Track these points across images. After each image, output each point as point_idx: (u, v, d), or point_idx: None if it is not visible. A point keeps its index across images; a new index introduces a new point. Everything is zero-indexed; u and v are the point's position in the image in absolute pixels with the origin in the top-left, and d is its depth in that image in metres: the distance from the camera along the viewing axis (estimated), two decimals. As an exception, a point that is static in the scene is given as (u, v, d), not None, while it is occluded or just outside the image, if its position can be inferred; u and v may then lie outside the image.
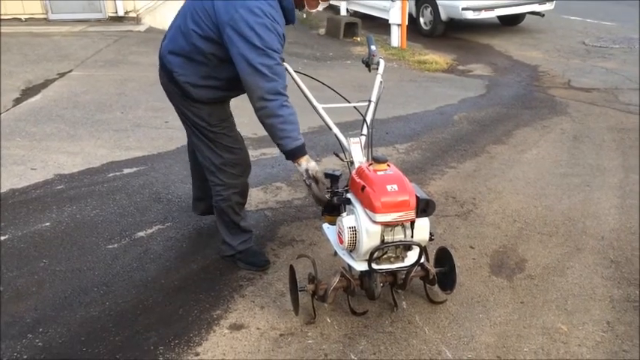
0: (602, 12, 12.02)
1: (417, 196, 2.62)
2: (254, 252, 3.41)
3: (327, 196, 3.06)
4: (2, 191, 4.27)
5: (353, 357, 2.65)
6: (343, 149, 3.10)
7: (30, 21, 10.05)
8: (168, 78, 3.15)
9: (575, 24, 11.22)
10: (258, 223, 3.86)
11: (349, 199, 2.80)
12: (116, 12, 10.23)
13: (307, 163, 2.83)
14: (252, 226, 3.45)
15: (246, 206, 3.97)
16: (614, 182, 4.43)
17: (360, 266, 2.69)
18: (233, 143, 3.20)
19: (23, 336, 2.80)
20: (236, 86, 2.94)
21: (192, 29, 2.90)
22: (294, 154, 2.83)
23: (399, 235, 2.65)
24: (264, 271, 3.33)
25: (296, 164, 2.87)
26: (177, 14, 3.10)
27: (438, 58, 8.90)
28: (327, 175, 3.14)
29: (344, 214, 2.82)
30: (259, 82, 2.74)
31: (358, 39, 10.48)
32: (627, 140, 5.29)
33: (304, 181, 2.85)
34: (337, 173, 3.12)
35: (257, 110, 2.83)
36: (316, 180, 2.82)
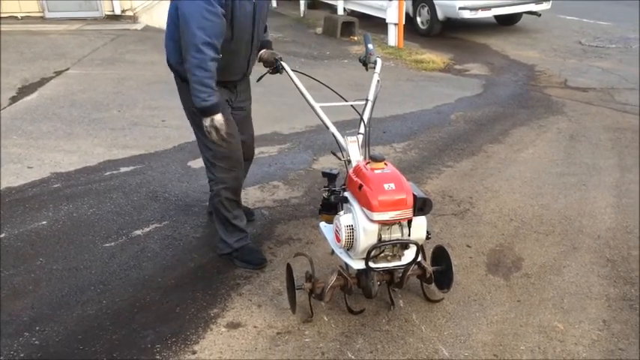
0: (598, 12, 12.05)
1: (414, 195, 2.62)
2: (250, 250, 3.41)
3: (325, 194, 3.07)
4: (-1, 189, 4.27)
5: (350, 355, 2.65)
6: (340, 148, 3.10)
7: (26, 19, 10.03)
8: (169, 66, 3.25)
9: (572, 24, 11.24)
10: (255, 222, 3.87)
11: (346, 197, 2.81)
12: (113, 10, 10.22)
13: (214, 117, 2.98)
14: (246, 226, 3.45)
15: (243, 204, 4.00)
16: (610, 181, 4.44)
17: (358, 265, 2.69)
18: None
19: (20, 334, 2.80)
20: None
21: (170, 11, 3.06)
22: (204, 112, 2.97)
23: (396, 234, 2.66)
24: (261, 269, 3.33)
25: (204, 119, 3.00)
26: None
27: (435, 58, 8.90)
28: (324, 174, 3.15)
29: (341, 212, 2.82)
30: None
31: (355, 38, 10.48)
32: (623, 140, 5.31)
33: (206, 128, 3.00)
34: (334, 172, 3.13)
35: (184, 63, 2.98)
36: (216, 129, 2.98)
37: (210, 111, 2.96)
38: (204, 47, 2.85)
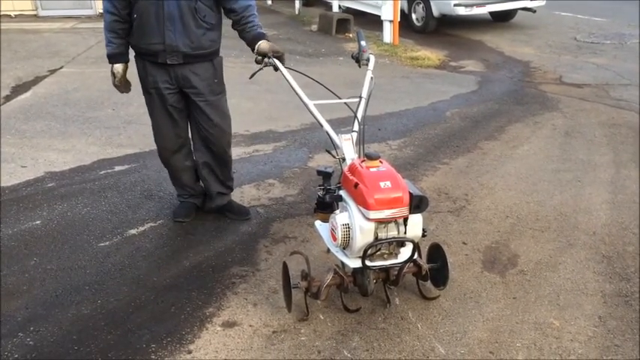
0: (593, 8, 12.06)
1: (410, 193, 2.62)
2: (182, 205, 3.91)
3: (320, 193, 3.06)
4: (-8, 189, 4.24)
5: (346, 353, 2.65)
6: (335, 146, 3.09)
7: (20, 17, 9.98)
8: None
9: (567, 20, 11.25)
10: (250, 220, 3.85)
11: (341, 196, 2.80)
12: (107, 8, 10.18)
13: (113, 65, 3.54)
14: (185, 187, 3.88)
15: (239, 202, 4.01)
16: (606, 178, 4.45)
17: (354, 263, 2.69)
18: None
19: (14, 335, 2.78)
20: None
21: None
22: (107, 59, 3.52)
23: (392, 232, 2.65)
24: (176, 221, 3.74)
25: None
26: None
27: (430, 55, 8.90)
28: (319, 173, 3.14)
29: (337, 211, 2.81)
30: None
31: (350, 35, 10.46)
32: (618, 136, 5.32)
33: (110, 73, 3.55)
34: (329, 170, 3.12)
35: None
36: (113, 75, 3.57)
37: (109, 58, 3.51)
38: (104, 1, 3.35)
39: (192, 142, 3.75)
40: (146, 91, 3.55)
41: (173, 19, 3.27)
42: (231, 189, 3.92)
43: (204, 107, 3.51)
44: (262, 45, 3.34)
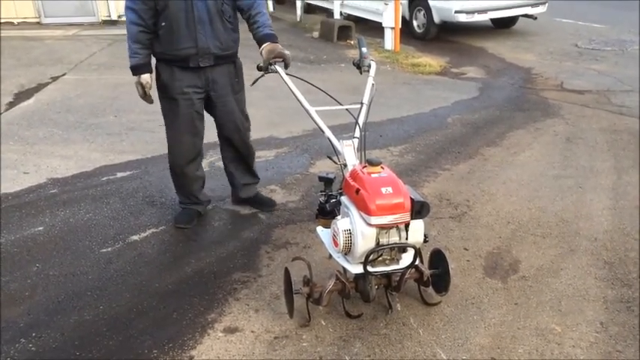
0: (593, 14, 12.08)
1: (411, 199, 2.62)
2: (183, 212, 3.91)
3: (322, 199, 3.07)
4: (-5, 195, 4.25)
5: (347, 359, 2.64)
6: (336, 152, 3.10)
7: (22, 25, 10.03)
8: None
9: (568, 26, 11.27)
10: (252, 226, 3.86)
11: (339, 203, 2.81)
12: (109, 15, 10.21)
13: (140, 76, 3.46)
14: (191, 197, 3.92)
15: (241, 208, 4.02)
16: (607, 184, 4.45)
17: (355, 269, 2.69)
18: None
19: (16, 341, 2.79)
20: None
21: None
22: (131, 70, 3.48)
23: (393, 238, 2.65)
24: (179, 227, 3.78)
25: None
26: None
27: (432, 61, 8.92)
28: (320, 179, 3.15)
29: (338, 217, 2.82)
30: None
31: (352, 42, 10.49)
32: (620, 142, 5.32)
33: (135, 84, 3.50)
34: (331, 176, 3.13)
35: None
36: (141, 85, 3.47)
37: (134, 70, 3.43)
38: (127, 11, 3.31)
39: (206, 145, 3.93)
40: (170, 97, 3.52)
41: (203, 22, 3.34)
42: (258, 178, 4.08)
43: (227, 106, 3.60)
44: (265, 49, 3.35)
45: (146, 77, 3.44)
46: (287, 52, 3.40)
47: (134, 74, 3.45)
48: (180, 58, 3.40)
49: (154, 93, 3.59)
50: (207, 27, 3.37)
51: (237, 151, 3.87)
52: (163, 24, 3.33)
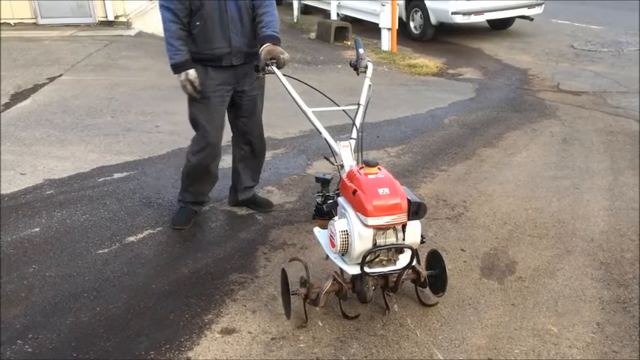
0: (590, 16, 12.11)
1: (408, 200, 2.63)
2: (183, 212, 3.90)
3: (319, 200, 3.07)
4: (-9, 196, 4.24)
5: (345, 360, 2.65)
6: (333, 153, 3.10)
7: (19, 25, 10.00)
8: None
9: (564, 28, 11.30)
10: (249, 227, 3.86)
11: (337, 203, 2.81)
12: (106, 16, 10.19)
13: (187, 71, 3.39)
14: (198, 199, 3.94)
15: (238, 209, 4.02)
16: (603, 184, 4.46)
17: (353, 270, 2.69)
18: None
19: (13, 342, 2.78)
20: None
21: None
22: (174, 68, 3.41)
23: (390, 238, 2.66)
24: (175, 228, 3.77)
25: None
26: None
27: (429, 62, 8.93)
28: (317, 179, 3.15)
29: (336, 217, 2.82)
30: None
31: (349, 43, 10.50)
32: (616, 143, 5.33)
33: (180, 82, 3.40)
34: (328, 177, 3.13)
35: None
36: (190, 82, 3.39)
37: (179, 67, 3.36)
38: (162, 10, 3.31)
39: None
40: (203, 96, 3.53)
41: (235, 21, 3.41)
42: (257, 182, 4.10)
43: (248, 102, 3.64)
44: (264, 49, 3.36)
45: (193, 73, 3.40)
46: (286, 54, 3.40)
47: (179, 71, 3.38)
48: (215, 57, 3.45)
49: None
50: (238, 26, 3.44)
51: (253, 148, 3.89)
52: (198, 23, 3.38)
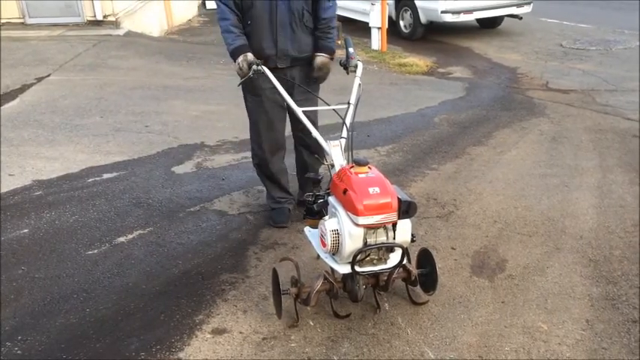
0: (578, 14, 12.19)
1: (398, 198, 2.63)
2: (279, 212, 3.89)
3: (309, 199, 3.07)
4: (-21, 198, 4.21)
5: (336, 359, 2.65)
6: (324, 152, 3.10)
7: (7, 25, 9.92)
8: None
9: (553, 26, 11.36)
10: (240, 227, 3.85)
11: (328, 202, 2.81)
12: (95, 16, 10.12)
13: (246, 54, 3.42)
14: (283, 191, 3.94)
15: (228, 209, 4.00)
16: (592, 182, 4.49)
17: (343, 269, 2.69)
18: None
19: (1, 344, 2.76)
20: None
21: None
22: (233, 54, 3.46)
23: (381, 237, 2.66)
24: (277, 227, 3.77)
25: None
26: None
27: (418, 61, 8.95)
28: (308, 179, 3.15)
29: (326, 217, 2.82)
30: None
31: (339, 42, 10.48)
32: (604, 141, 5.37)
33: (238, 64, 3.41)
34: (318, 176, 3.13)
35: None
36: (248, 63, 3.36)
37: (238, 52, 3.40)
38: (219, 2, 3.44)
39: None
40: (255, 94, 3.60)
41: (284, 25, 3.46)
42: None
43: (302, 105, 3.57)
44: (320, 60, 3.59)
45: (251, 55, 3.43)
46: (328, 71, 3.66)
47: (239, 54, 3.41)
48: (263, 57, 3.48)
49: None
50: (287, 30, 3.49)
51: (309, 149, 3.85)
52: (249, 22, 3.47)
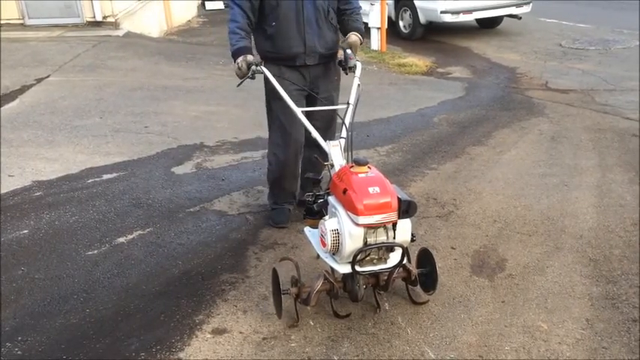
0: (577, 14, 12.19)
1: (398, 198, 2.63)
2: (279, 212, 3.88)
3: (309, 199, 3.07)
4: (-21, 199, 4.21)
5: (336, 359, 2.65)
6: (323, 152, 3.10)
7: (6, 26, 9.91)
8: None
9: (552, 26, 11.37)
10: (240, 227, 3.85)
11: (328, 202, 2.81)
12: (94, 17, 10.12)
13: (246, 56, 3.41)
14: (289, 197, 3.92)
15: (228, 209, 4.00)
16: (592, 182, 4.49)
17: (343, 269, 2.70)
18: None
19: (2, 345, 2.76)
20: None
21: None
22: (235, 54, 3.44)
23: (381, 237, 2.66)
24: (278, 228, 3.74)
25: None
26: None
27: (418, 61, 8.96)
28: (307, 179, 3.15)
29: (326, 217, 2.82)
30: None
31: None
32: (604, 140, 5.37)
33: (237, 64, 3.39)
34: (318, 176, 3.13)
35: None
36: (247, 63, 3.35)
37: (239, 52, 3.39)
38: (232, 3, 3.44)
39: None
40: (281, 98, 3.46)
41: (311, 22, 3.47)
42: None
43: (329, 101, 3.63)
44: (352, 37, 3.54)
45: (252, 57, 3.42)
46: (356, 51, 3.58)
47: (240, 55, 3.40)
48: (289, 56, 3.50)
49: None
50: (314, 27, 3.50)
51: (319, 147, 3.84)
52: (274, 24, 3.46)
